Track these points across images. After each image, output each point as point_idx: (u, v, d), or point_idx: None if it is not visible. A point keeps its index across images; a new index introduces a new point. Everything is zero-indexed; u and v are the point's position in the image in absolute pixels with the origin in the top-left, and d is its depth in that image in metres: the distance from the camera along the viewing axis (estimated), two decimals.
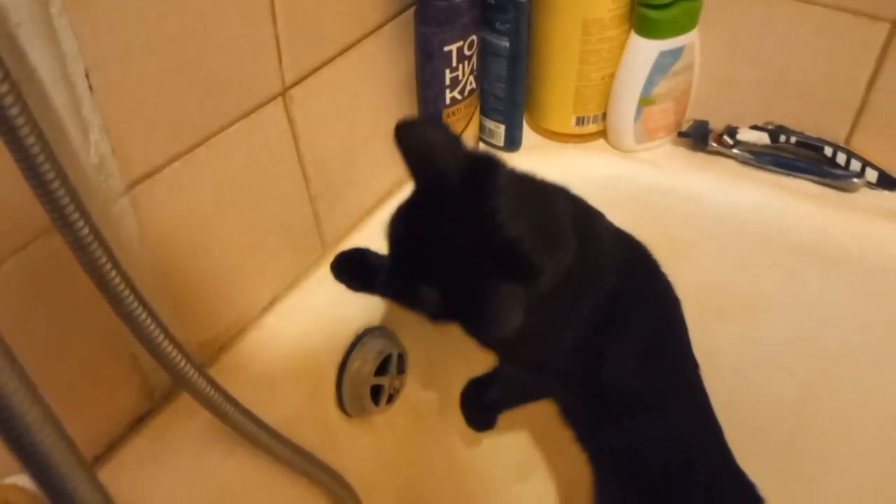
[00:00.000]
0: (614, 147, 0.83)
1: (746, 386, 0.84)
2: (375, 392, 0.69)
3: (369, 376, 0.67)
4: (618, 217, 0.67)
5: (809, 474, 0.83)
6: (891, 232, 0.73)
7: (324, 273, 0.69)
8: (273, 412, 0.57)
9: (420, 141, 0.52)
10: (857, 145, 0.75)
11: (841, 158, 0.75)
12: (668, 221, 0.80)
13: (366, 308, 0.70)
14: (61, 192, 0.37)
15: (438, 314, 0.54)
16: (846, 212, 0.74)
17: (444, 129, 0.58)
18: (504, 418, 0.82)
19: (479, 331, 0.55)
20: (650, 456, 0.67)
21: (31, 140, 0.35)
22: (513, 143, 0.82)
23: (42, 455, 0.33)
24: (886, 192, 0.75)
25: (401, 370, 0.71)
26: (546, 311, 0.56)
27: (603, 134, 0.84)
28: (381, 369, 0.69)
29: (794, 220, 0.75)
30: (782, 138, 0.77)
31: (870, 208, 0.74)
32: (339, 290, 0.69)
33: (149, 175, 0.50)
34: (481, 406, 0.78)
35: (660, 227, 0.80)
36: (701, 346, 0.82)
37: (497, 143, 0.82)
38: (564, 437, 0.74)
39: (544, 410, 0.75)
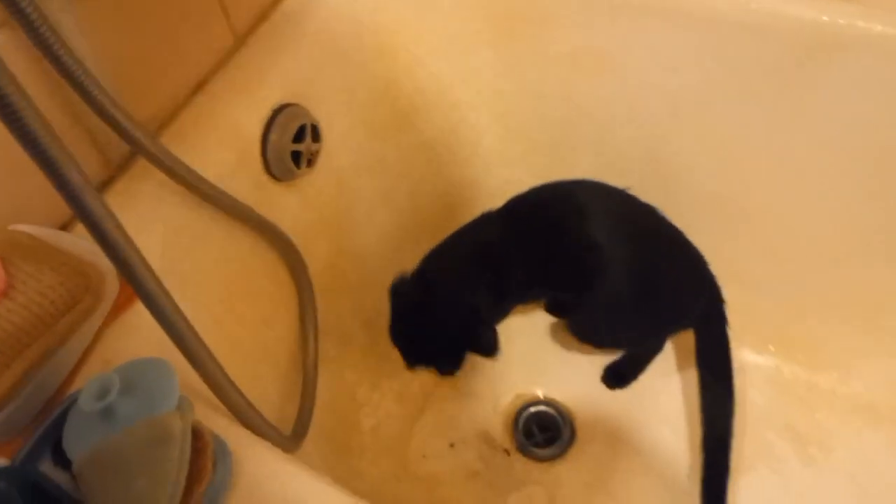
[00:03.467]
0: None
1: (607, 133, 1.00)
2: (296, 158, 0.83)
3: (288, 143, 0.81)
4: None
5: (662, 202, 1.02)
6: None
7: (239, 60, 0.81)
8: (212, 175, 0.71)
9: None
10: None
11: None
12: None
13: (281, 85, 0.82)
14: None
15: None
16: None
17: None
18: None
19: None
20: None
21: None
22: None
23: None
24: None
25: (315, 139, 0.85)
26: None
27: None
28: (299, 138, 0.83)
29: None
30: None
31: None
32: (255, 73, 0.81)
33: None
34: None
35: None
36: (571, 102, 0.98)
37: None
38: None
39: None
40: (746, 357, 1.08)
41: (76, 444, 0.50)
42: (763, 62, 0.86)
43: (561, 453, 1.03)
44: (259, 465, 0.54)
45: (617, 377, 1.08)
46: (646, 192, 0.99)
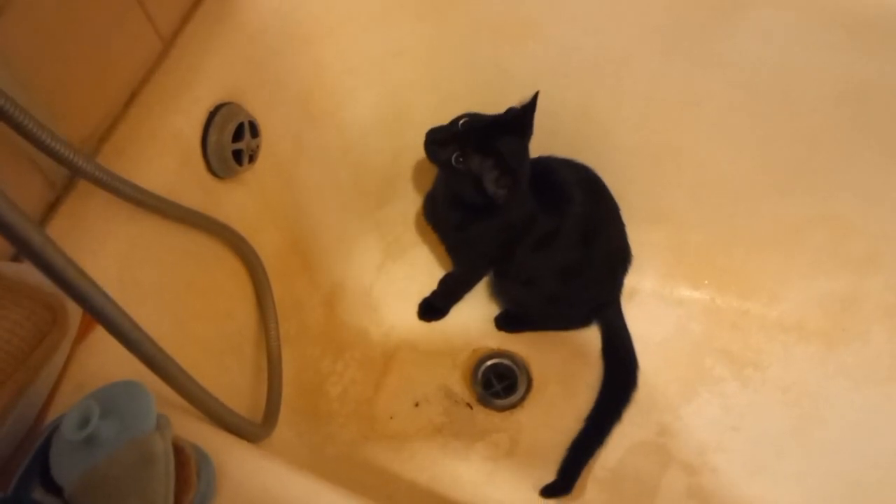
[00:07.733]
0: None
1: (540, 95, 1.03)
2: (238, 156, 0.85)
3: (228, 143, 0.82)
4: None
5: (594, 157, 1.07)
6: None
7: (168, 65, 0.81)
8: (156, 183, 0.72)
9: None
10: None
11: None
12: None
13: (214, 86, 0.82)
14: None
15: None
16: None
17: None
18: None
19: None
20: None
21: None
22: None
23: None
24: None
25: (254, 134, 0.86)
26: None
27: None
28: (238, 137, 0.84)
29: None
30: None
31: None
32: (185, 77, 0.81)
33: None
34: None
35: None
36: (499, 68, 1.01)
37: None
38: None
39: None
40: (683, 293, 1.16)
41: (65, 472, 0.53)
42: (679, 20, 0.90)
43: (520, 400, 1.10)
44: (239, 467, 0.59)
45: (508, 322, 1.17)
46: (578, 148, 1.04)
